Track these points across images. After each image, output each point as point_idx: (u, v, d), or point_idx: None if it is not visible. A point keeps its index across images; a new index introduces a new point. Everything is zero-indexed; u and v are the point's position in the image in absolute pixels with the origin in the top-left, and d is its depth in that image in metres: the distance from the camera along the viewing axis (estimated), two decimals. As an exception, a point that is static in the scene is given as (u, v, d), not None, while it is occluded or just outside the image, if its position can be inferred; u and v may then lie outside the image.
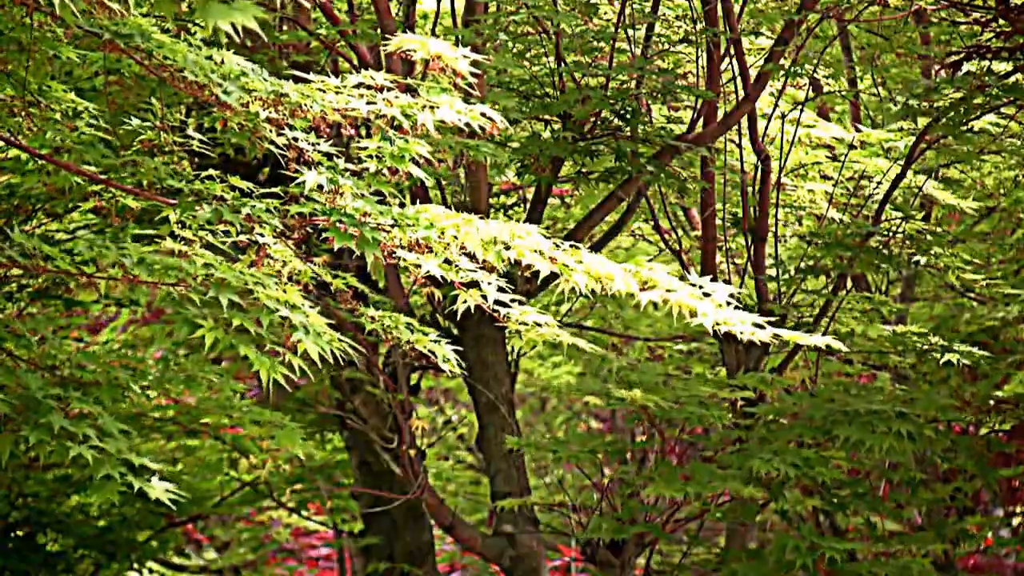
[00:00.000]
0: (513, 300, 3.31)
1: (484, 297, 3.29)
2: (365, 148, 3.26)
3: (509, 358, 5.64)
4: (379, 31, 5.05)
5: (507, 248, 3.22)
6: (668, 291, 3.24)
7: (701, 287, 3.29)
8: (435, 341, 3.48)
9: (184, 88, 3.04)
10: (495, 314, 5.40)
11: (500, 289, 3.30)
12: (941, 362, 5.27)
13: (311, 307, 3.22)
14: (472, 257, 3.25)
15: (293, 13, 5.67)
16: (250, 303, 3.11)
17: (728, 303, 3.28)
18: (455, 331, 5.55)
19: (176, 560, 9.22)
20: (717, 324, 3.25)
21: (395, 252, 3.20)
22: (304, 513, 8.40)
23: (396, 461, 5.58)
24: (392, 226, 3.18)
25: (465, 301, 3.31)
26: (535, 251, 3.23)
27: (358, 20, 5.50)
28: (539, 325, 3.37)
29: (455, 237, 3.20)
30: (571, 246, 3.27)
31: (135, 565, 7.53)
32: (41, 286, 5.83)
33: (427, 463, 8.82)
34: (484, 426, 5.54)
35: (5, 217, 5.65)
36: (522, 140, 5.42)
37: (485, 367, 5.51)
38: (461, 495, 9.72)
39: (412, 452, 5.47)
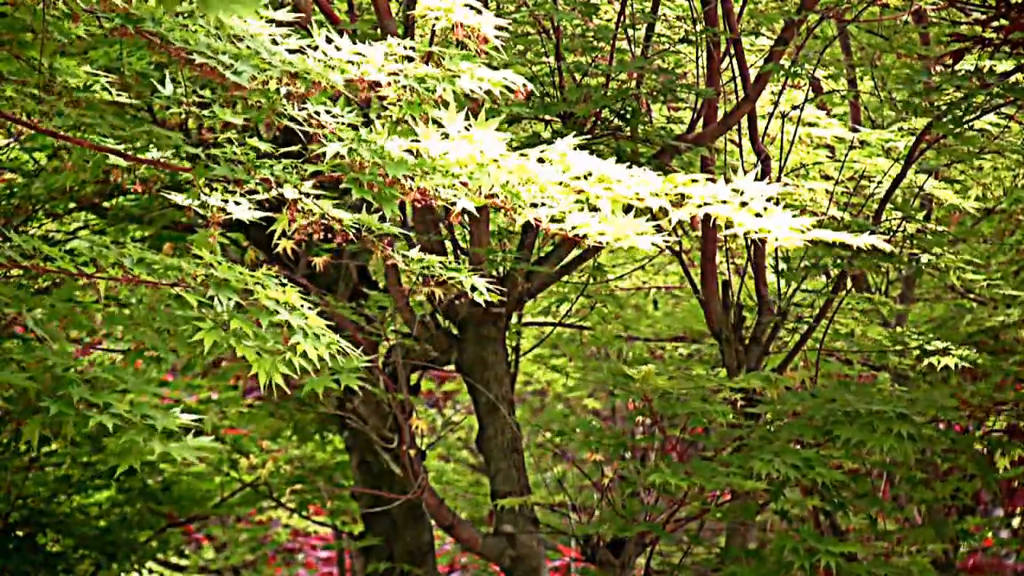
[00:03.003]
0: (570, 210, 3.16)
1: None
2: (385, 96, 3.20)
3: (509, 358, 5.64)
4: (379, 31, 5.05)
5: (531, 182, 3.12)
6: (700, 205, 3.09)
7: (742, 192, 3.13)
8: (468, 276, 3.42)
9: (197, 70, 3.02)
10: (496, 311, 5.40)
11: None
12: (939, 368, 5.26)
13: (310, 308, 3.20)
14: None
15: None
16: (250, 303, 3.10)
17: (766, 208, 3.12)
18: (455, 331, 5.55)
19: (176, 560, 9.23)
20: (752, 232, 3.12)
21: (427, 194, 3.14)
22: (304, 514, 8.41)
23: (396, 461, 5.58)
24: (412, 177, 3.13)
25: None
26: (558, 183, 3.12)
27: (358, 20, 5.50)
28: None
29: (468, 180, 3.12)
30: (601, 174, 3.14)
31: (135, 565, 7.53)
32: (42, 286, 5.83)
33: (427, 464, 8.82)
34: (484, 426, 5.55)
35: (5, 217, 5.66)
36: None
37: (485, 367, 5.51)
38: (460, 496, 9.72)
39: (412, 452, 5.47)
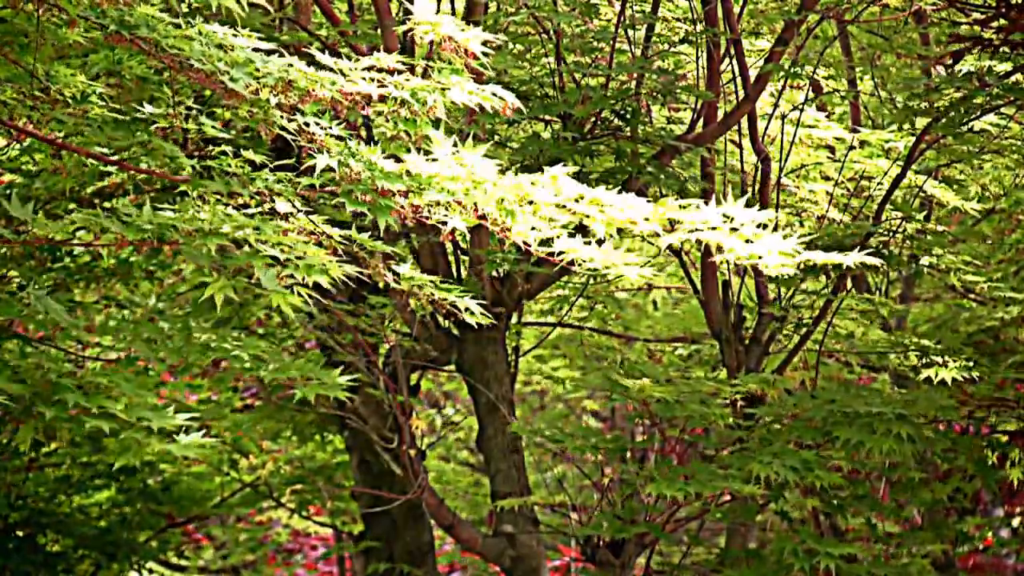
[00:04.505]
0: (558, 235, 3.20)
1: (521, 247, 3.21)
2: (381, 112, 3.23)
3: (509, 358, 5.64)
4: (379, 31, 5.05)
5: (529, 202, 3.15)
6: (692, 231, 3.15)
7: (731, 218, 3.19)
8: (460, 296, 3.45)
9: (192, 77, 3.03)
10: (496, 311, 5.40)
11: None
12: (937, 381, 5.25)
13: (305, 242, 3.18)
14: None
15: (293, 14, 5.67)
16: (246, 252, 3.09)
17: (757, 233, 3.16)
18: (455, 331, 5.55)
19: (176, 560, 9.23)
20: (743, 258, 3.16)
21: (419, 211, 3.16)
22: (304, 514, 8.41)
23: (396, 461, 5.58)
24: (406, 193, 3.15)
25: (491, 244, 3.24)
26: (554, 204, 3.15)
27: (358, 20, 5.50)
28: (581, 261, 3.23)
29: (465, 197, 3.14)
30: (593, 197, 3.17)
31: (135, 565, 7.54)
32: (42, 286, 5.83)
33: (427, 464, 8.82)
34: (484, 426, 5.55)
35: (5, 218, 5.65)
36: (522, 141, 5.43)
37: (485, 367, 5.51)
38: (461, 496, 9.72)
39: (412, 452, 5.48)
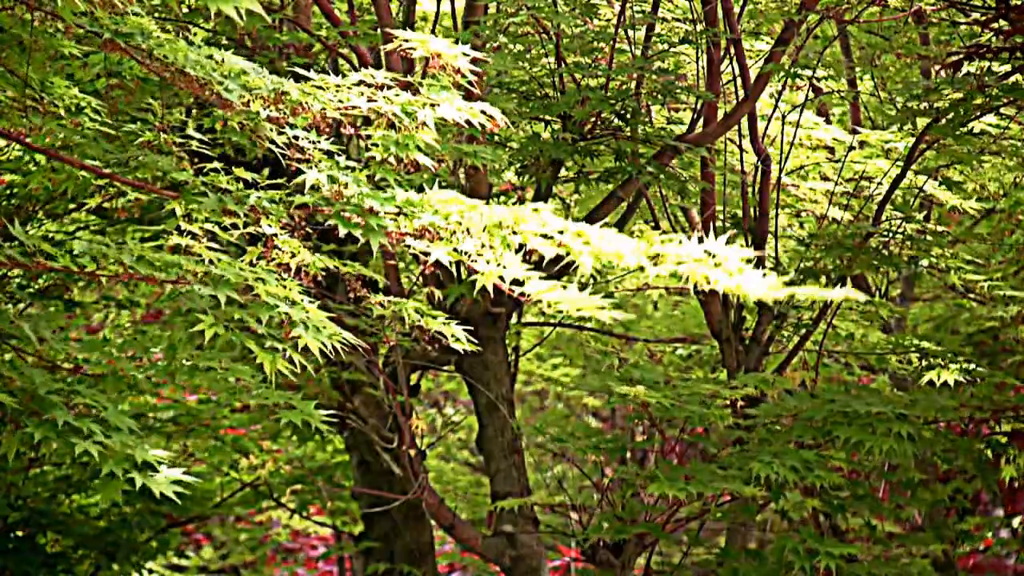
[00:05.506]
0: (529, 277, 3.27)
1: (501, 280, 3.25)
2: (370, 136, 3.28)
3: (509, 358, 5.64)
4: (379, 32, 5.05)
5: (513, 232, 3.20)
6: (678, 263, 3.21)
7: (713, 255, 3.25)
8: (444, 323, 3.49)
9: (185, 86, 3.04)
10: (496, 311, 5.41)
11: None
12: (939, 383, 5.25)
13: (311, 302, 3.22)
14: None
15: (293, 14, 5.67)
16: (250, 299, 3.12)
17: (741, 268, 3.23)
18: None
19: (176, 560, 9.22)
20: (729, 289, 3.21)
21: (403, 240, 3.20)
22: (304, 514, 8.41)
23: (396, 461, 5.58)
24: (397, 214, 3.18)
25: (478, 282, 3.27)
26: (540, 235, 3.20)
27: (358, 21, 5.50)
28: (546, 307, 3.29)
29: (459, 223, 3.18)
30: (577, 230, 3.23)
31: (135, 566, 7.53)
32: (42, 287, 5.83)
33: (427, 464, 8.82)
34: (484, 426, 5.55)
35: (6, 218, 5.65)
36: (522, 141, 5.43)
37: (485, 367, 5.51)
38: (461, 496, 9.72)
39: (412, 452, 5.48)
